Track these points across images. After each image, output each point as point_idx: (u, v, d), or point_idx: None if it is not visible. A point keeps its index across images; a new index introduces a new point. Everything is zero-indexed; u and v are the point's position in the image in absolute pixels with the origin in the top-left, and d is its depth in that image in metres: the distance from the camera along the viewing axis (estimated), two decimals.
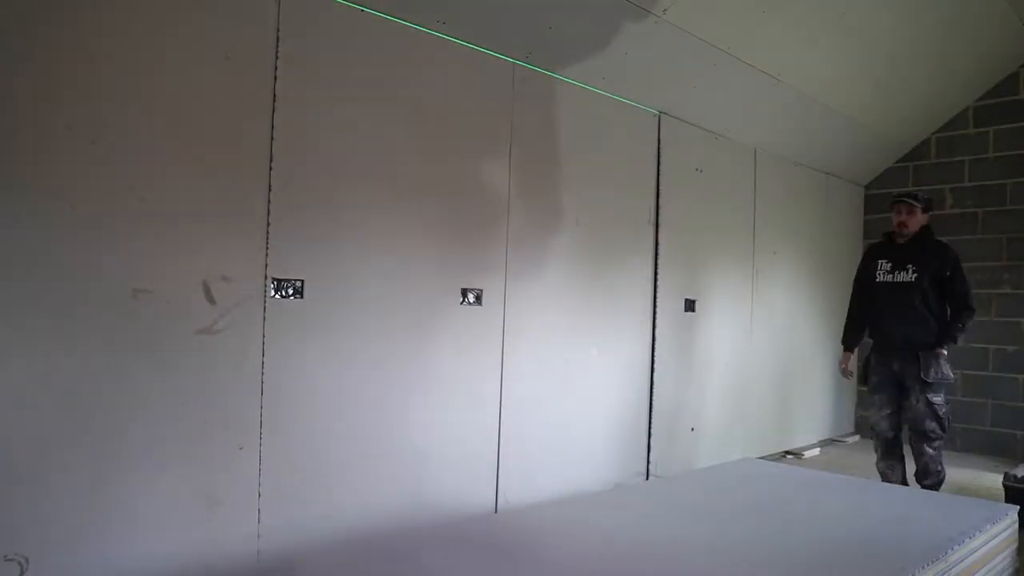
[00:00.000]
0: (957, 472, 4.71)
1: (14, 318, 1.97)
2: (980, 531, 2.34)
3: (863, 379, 3.83)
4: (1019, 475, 3.55)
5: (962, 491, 4.07)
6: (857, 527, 2.35)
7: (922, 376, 3.40)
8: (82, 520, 2.07)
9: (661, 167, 4.10)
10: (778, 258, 5.12)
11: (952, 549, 2.14)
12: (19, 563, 1.95)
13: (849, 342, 3.89)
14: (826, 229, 5.65)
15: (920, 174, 5.81)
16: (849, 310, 3.97)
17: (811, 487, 2.97)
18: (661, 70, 3.80)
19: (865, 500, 2.77)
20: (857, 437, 5.87)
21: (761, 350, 4.95)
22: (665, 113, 4.11)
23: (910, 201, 3.57)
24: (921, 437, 3.46)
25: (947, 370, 3.43)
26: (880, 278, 3.65)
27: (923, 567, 1.97)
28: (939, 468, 3.49)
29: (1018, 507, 2.73)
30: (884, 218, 5.93)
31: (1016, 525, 2.63)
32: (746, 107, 4.42)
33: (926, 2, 4.27)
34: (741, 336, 4.78)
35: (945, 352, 3.45)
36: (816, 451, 5.27)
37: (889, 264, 3.63)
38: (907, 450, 3.61)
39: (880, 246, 3.78)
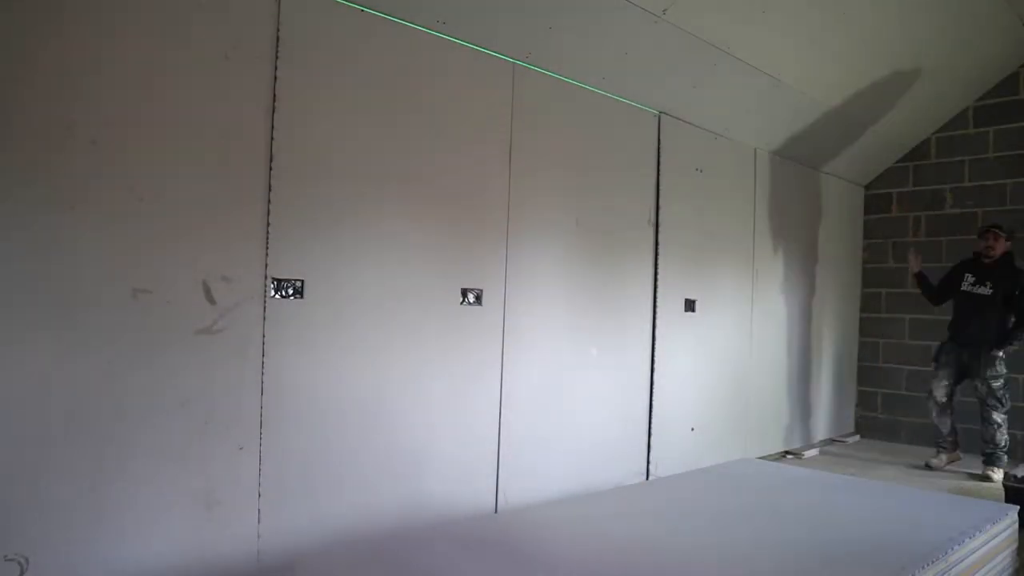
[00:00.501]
0: (957, 472, 4.71)
1: (14, 318, 1.97)
2: (980, 531, 2.34)
3: (935, 357, 4.79)
4: (1019, 475, 3.56)
5: (962, 491, 4.07)
6: (857, 527, 2.35)
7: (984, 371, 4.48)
8: (82, 520, 2.07)
9: (661, 167, 4.10)
10: (778, 258, 5.12)
11: (952, 549, 2.14)
12: (19, 563, 1.95)
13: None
14: (826, 229, 5.65)
15: (920, 174, 5.80)
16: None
17: (811, 487, 2.97)
18: (661, 70, 3.80)
19: (865, 500, 2.77)
20: (857, 437, 5.86)
21: (761, 350, 4.95)
22: (665, 113, 4.11)
23: (996, 230, 4.53)
24: (988, 408, 4.48)
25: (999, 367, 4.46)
26: (964, 288, 4.62)
27: (923, 567, 1.98)
28: (1003, 438, 4.46)
29: (1018, 507, 2.73)
30: (884, 218, 5.97)
31: (1016, 525, 2.63)
32: (746, 107, 4.42)
33: (926, 2, 4.27)
34: (741, 336, 4.78)
35: (1001, 354, 4.45)
36: (816, 451, 5.27)
37: (973, 278, 4.59)
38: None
39: (968, 262, 4.72)
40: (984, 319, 4.50)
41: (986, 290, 4.50)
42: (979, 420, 4.54)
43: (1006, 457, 4.51)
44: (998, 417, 4.46)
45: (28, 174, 2.00)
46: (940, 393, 4.69)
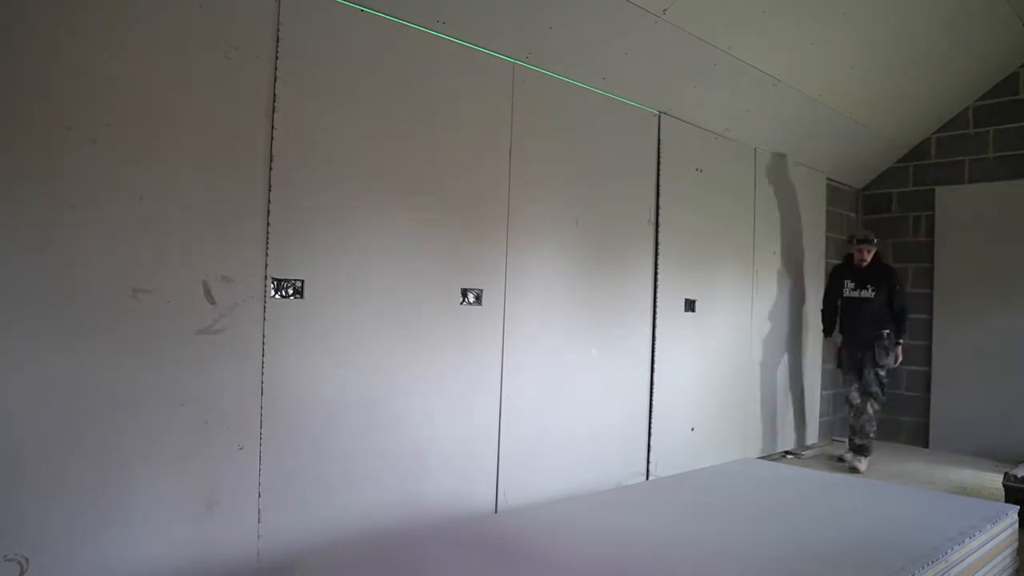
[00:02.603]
0: (957, 472, 4.71)
1: (14, 318, 1.97)
2: (980, 531, 2.34)
3: (839, 364, 5.15)
4: (1019, 475, 3.56)
5: (962, 491, 4.07)
6: (857, 527, 2.35)
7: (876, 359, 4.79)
8: (82, 520, 2.07)
9: (661, 167, 4.10)
10: (778, 258, 5.12)
11: (952, 549, 2.14)
12: (19, 563, 1.95)
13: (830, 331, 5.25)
14: (826, 229, 5.64)
15: (920, 174, 5.80)
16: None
17: (811, 487, 2.97)
18: (661, 70, 3.80)
19: (865, 500, 2.77)
20: None
21: (761, 350, 4.95)
22: (665, 113, 4.11)
23: (868, 245, 4.83)
24: (871, 399, 4.78)
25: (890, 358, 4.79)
26: (848, 294, 4.93)
27: (923, 567, 1.98)
28: (872, 430, 4.77)
29: (1018, 507, 2.73)
30: (884, 218, 5.97)
31: (1016, 525, 2.63)
32: (746, 107, 4.42)
33: (926, 2, 4.27)
34: (741, 336, 4.78)
35: (900, 342, 4.84)
36: (816, 451, 5.27)
37: (853, 283, 4.89)
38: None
39: (842, 268, 5.08)
40: (873, 317, 4.79)
41: (869, 292, 4.81)
42: (853, 412, 4.83)
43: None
44: (874, 407, 4.77)
45: (28, 174, 2.00)
46: (854, 396, 4.88)
